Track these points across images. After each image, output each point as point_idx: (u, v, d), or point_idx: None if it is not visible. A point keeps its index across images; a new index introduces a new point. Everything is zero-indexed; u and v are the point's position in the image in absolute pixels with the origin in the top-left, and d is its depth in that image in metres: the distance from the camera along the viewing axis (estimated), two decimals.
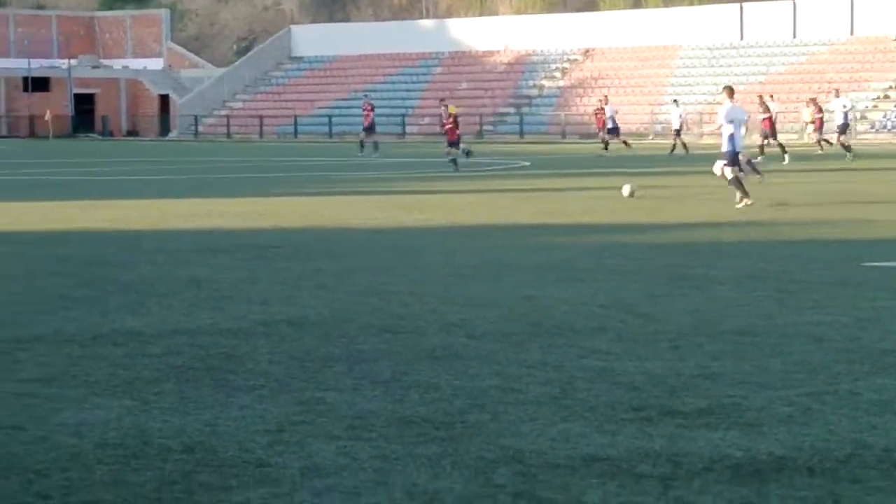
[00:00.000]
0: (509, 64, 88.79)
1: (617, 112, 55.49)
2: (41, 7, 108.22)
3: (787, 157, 42.92)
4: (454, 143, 40.03)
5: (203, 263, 15.80)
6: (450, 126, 39.97)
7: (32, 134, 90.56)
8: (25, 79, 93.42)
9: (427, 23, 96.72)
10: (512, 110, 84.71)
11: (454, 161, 39.57)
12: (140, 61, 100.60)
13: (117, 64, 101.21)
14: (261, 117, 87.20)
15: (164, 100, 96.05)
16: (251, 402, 8.02)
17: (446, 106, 42.20)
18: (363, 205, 26.16)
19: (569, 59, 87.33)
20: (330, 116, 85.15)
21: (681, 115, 53.69)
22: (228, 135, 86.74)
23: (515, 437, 7.12)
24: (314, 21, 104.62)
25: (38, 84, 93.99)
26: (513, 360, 9.33)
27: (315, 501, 6.01)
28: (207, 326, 10.91)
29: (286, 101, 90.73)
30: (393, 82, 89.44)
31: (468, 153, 40.89)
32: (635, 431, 7.23)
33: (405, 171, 41.50)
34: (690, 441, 7.00)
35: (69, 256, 16.89)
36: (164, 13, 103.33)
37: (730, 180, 24.01)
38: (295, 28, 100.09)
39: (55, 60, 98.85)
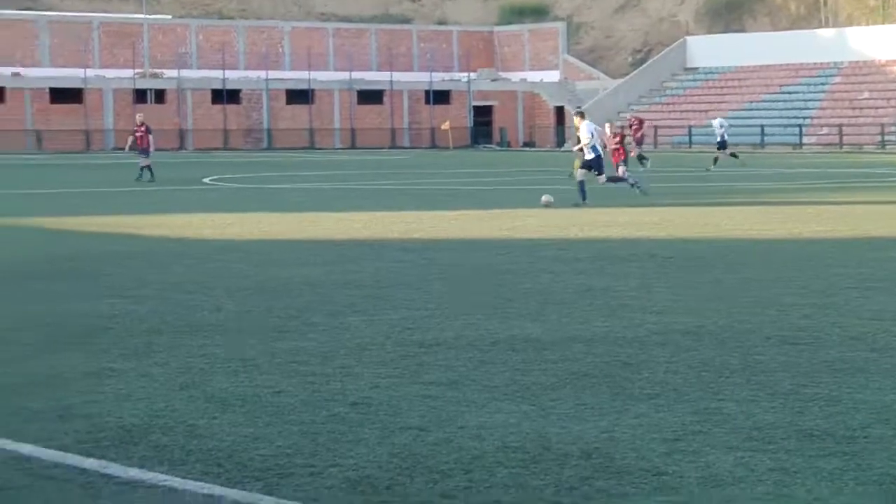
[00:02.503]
0: None
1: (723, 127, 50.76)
2: (443, 23, 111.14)
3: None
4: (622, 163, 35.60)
5: (599, 272, 15.90)
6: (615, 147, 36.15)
7: (433, 145, 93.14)
8: (427, 92, 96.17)
9: (826, 32, 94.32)
10: None
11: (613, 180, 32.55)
12: (537, 74, 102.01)
13: (515, 77, 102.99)
14: (655, 128, 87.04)
15: (560, 111, 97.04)
16: (648, 411, 8.03)
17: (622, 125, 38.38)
18: (759, 215, 25.77)
19: None
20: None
21: None
22: None
23: None
24: (709, 32, 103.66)
25: (439, 97, 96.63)
26: None
27: None
28: (604, 334, 10.98)
29: (680, 111, 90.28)
30: (789, 93, 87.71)
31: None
32: None
33: (801, 181, 40.68)
34: None
35: (468, 264, 17.28)
36: (561, 26, 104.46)
37: (579, 181, 29.04)
38: (690, 39, 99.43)
39: (455, 74, 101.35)
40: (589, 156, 29.74)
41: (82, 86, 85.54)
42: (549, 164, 59.83)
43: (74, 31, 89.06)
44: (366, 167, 56.39)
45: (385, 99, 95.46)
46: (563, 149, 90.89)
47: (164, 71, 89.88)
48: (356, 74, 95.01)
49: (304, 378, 9.14)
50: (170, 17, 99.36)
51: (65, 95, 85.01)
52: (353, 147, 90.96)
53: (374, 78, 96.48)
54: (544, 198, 28.56)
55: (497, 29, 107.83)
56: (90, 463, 6.87)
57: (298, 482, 6.50)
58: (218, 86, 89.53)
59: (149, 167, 41.30)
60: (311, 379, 9.11)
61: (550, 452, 7.03)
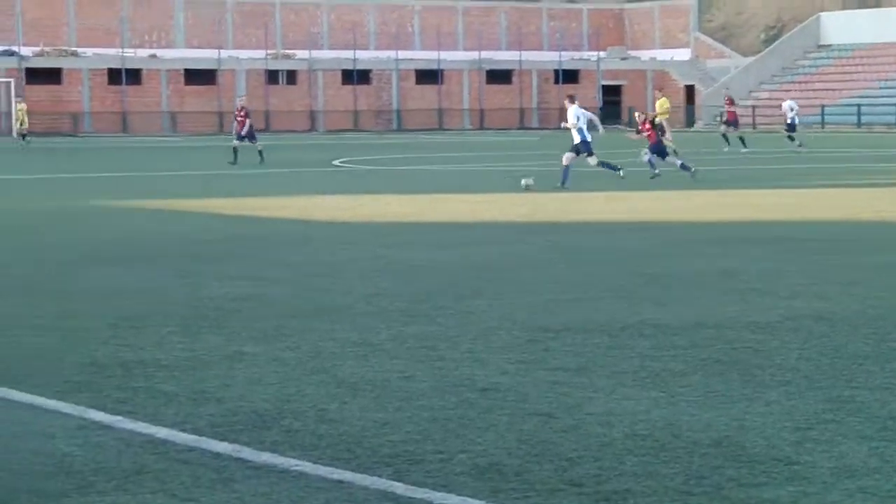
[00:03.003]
0: None
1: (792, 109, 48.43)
2: (573, 1, 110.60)
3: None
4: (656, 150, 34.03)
5: (728, 255, 15.76)
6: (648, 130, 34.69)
7: (562, 126, 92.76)
8: (556, 71, 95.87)
9: None
10: None
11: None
12: (667, 52, 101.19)
13: (644, 55, 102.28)
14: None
15: (690, 90, 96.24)
16: (779, 398, 7.95)
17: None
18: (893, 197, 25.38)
19: None
20: (859, 105, 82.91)
21: None
22: (754, 125, 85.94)
23: None
24: (844, 7, 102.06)
25: (569, 76, 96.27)
26: None
27: (846, 503, 5.90)
28: (733, 319, 10.88)
29: (812, 90, 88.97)
30: None
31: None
32: None
33: None
34: None
35: (593, 246, 17.22)
36: (691, 4, 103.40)
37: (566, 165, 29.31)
38: (824, 15, 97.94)
39: (584, 53, 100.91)
40: (577, 139, 29.72)
41: (216, 67, 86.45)
42: (676, 144, 59.28)
43: (208, 11, 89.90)
44: (494, 148, 56.38)
45: (514, 79, 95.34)
46: (692, 129, 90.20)
47: (296, 51, 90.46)
48: (485, 54, 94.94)
49: (433, 363, 9.19)
50: None
51: (199, 77, 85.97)
52: (481, 128, 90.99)
53: (503, 57, 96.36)
54: (524, 181, 28.32)
55: (627, 6, 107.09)
56: (223, 447, 6.97)
57: (428, 468, 6.54)
58: (348, 66, 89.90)
59: (235, 150, 41.22)
60: (440, 364, 9.15)
61: (680, 440, 7.00)
